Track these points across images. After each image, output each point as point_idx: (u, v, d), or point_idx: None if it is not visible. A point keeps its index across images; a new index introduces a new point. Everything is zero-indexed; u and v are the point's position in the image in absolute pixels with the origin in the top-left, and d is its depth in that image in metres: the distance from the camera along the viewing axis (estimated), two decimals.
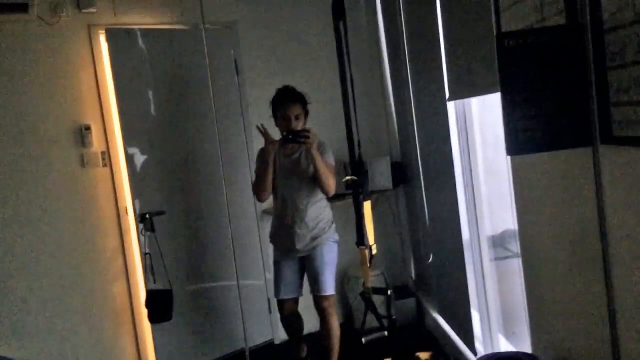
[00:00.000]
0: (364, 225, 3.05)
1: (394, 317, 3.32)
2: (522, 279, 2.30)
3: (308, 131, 3.01)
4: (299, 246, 3.20)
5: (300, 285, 3.33)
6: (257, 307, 4.15)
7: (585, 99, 1.55)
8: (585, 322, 1.80)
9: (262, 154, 3.20)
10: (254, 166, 3.63)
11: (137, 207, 3.66)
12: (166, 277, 3.62)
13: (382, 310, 3.82)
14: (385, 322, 3.39)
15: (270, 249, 3.54)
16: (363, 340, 3.13)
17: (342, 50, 3.16)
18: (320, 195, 3.21)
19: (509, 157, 2.20)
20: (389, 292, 3.31)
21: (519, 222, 2.21)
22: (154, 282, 3.59)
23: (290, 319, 3.39)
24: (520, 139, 1.54)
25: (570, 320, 1.92)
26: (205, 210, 3.97)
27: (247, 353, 3.56)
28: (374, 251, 3.13)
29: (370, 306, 3.14)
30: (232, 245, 3.63)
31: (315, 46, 4.21)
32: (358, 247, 3.16)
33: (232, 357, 3.95)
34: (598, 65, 1.48)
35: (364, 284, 3.22)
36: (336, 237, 3.31)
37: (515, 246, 5.25)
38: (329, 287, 3.26)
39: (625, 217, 1.52)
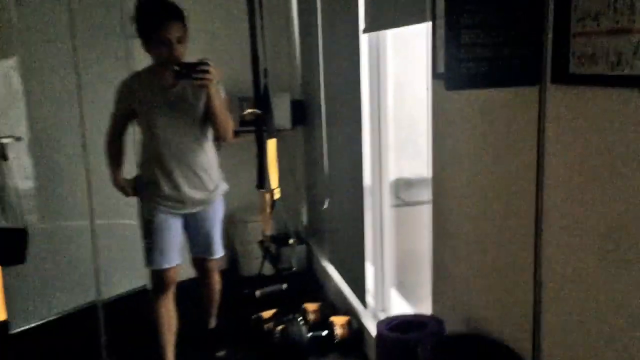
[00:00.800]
0: (267, 167, 2.70)
1: (294, 268, 3.04)
2: (431, 232, 2.09)
3: (208, 64, 2.31)
4: (189, 203, 2.58)
5: (181, 252, 2.70)
6: (129, 249, 3.71)
7: (538, 26, 1.29)
8: (503, 286, 1.62)
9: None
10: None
11: None
12: (19, 214, 3.08)
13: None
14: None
15: None
16: (257, 293, 2.78)
17: None
18: (208, 140, 2.59)
19: (429, 92, 1.95)
20: (290, 241, 3.00)
21: (434, 168, 1.98)
22: (5, 220, 3.05)
23: (167, 302, 2.68)
24: (463, 72, 1.26)
25: (484, 279, 1.73)
26: (66, 138, 3.38)
27: (99, 306, 3.05)
28: (277, 196, 2.79)
29: (269, 256, 2.84)
30: (87, 181, 3.08)
31: None
32: (258, 190, 2.82)
33: (92, 306, 3.49)
34: None
35: (263, 232, 2.90)
36: (225, 187, 2.74)
37: (407, 195, 5.20)
38: (220, 248, 2.78)
39: (567, 168, 1.30)
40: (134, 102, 2.52)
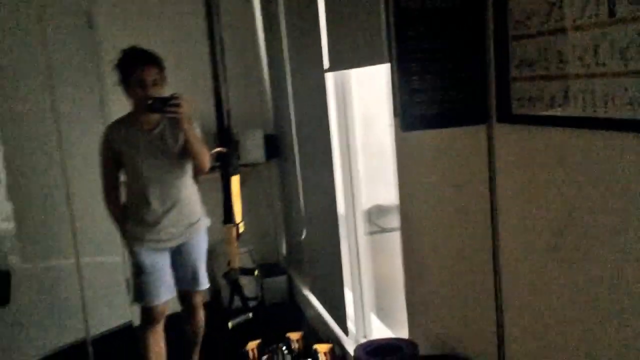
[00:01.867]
0: (232, 202, 2.82)
1: (258, 299, 3.12)
2: (401, 260, 2.20)
3: (179, 98, 2.50)
4: (172, 238, 2.72)
5: (173, 284, 2.81)
6: (112, 287, 3.75)
7: (482, 73, 1.43)
8: (469, 304, 1.73)
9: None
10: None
11: None
12: (1, 256, 3.13)
13: (250, 289, 3.63)
14: (253, 303, 3.18)
15: None
16: (230, 324, 2.88)
17: (211, 9, 2.87)
18: (188, 176, 2.75)
19: (392, 128, 2.08)
20: (255, 272, 3.09)
21: (400, 199, 2.10)
22: None
23: (156, 334, 2.78)
24: (415, 114, 1.39)
25: (451, 308, 1.84)
26: (48, 178, 3.47)
27: (88, 341, 3.10)
28: (242, 229, 2.92)
29: (235, 289, 2.93)
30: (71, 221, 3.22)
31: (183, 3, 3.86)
32: (224, 225, 2.92)
33: (79, 345, 3.54)
34: (499, 35, 1.36)
35: (229, 263, 2.99)
36: (208, 221, 2.88)
37: (383, 221, 5.31)
38: (205, 280, 2.90)
39: (517, 196, 1.43)
40: (117, 149, 2.66)
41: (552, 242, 1.32)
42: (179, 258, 2.79)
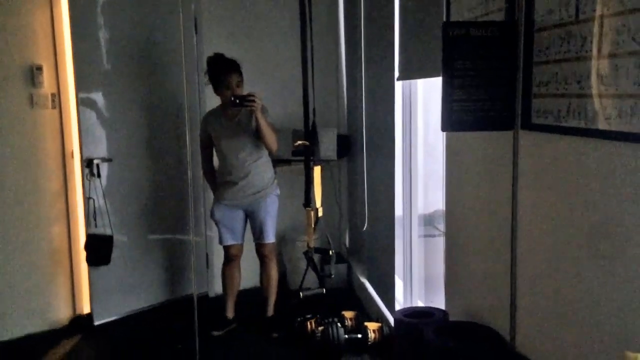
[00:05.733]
0: (313, 189, 3.24)
1: (332, 275, 3.54)
2: (444, 251, 2.54)
3: (254, 95, 3.26)
4: (243, 199, 3.51)
5: (243, 234, 3.66)
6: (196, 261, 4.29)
7: (512, 89, 1.77)
8: (491, 285, 2.06)
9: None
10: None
11: (84, 152, 3.68)
12: (108, 223, 3.69)
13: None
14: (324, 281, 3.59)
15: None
16: (301, 294, 3.32)
17: (305, 20, 3.30)
18: (262, 154, 3.51)
19: (445, 139, 2.43)
20: (330, 252, 3.50)
21: (446, 198, 2.45)
22: (95, 227, 3.66)
23: (232, 268, 3.67)
24: (454, 118, 1.75)
25: (478, 284, 2.18)
26: (152, 163, 4.06)
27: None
28: (320, 214, 3.33)
29: (311, 264, 3.34)
30: (190, 202, 3.83)
31: (278, 12, 4.34)
32: (305, 208, 3.35)
33: (162, 306, 4.11)
34: (526, 60, 1.70)
35: (307, 243, 3.41)
36: (278, 191, 3.63)
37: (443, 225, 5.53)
38: (271, 236, 3.61)
39: (533, 194, 1.76)
40: (209, 132, 3.54)
41: (562, 234, 1.64)
42: (251, 216, 3.60)
